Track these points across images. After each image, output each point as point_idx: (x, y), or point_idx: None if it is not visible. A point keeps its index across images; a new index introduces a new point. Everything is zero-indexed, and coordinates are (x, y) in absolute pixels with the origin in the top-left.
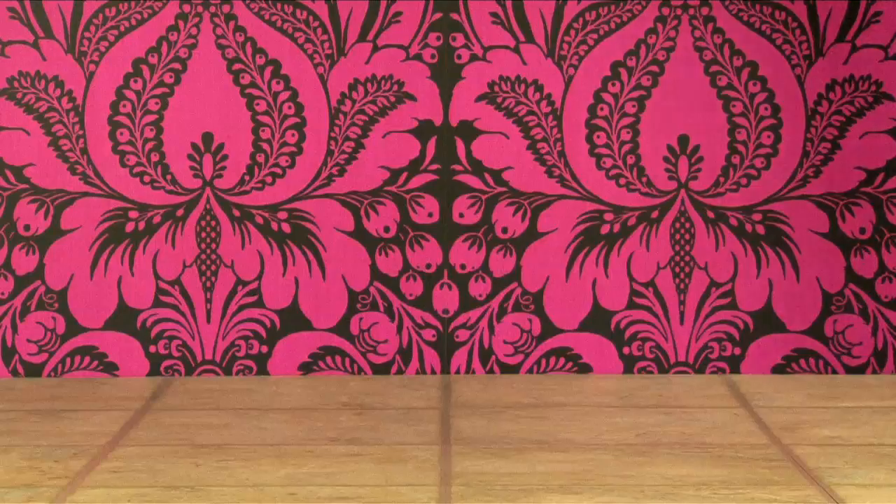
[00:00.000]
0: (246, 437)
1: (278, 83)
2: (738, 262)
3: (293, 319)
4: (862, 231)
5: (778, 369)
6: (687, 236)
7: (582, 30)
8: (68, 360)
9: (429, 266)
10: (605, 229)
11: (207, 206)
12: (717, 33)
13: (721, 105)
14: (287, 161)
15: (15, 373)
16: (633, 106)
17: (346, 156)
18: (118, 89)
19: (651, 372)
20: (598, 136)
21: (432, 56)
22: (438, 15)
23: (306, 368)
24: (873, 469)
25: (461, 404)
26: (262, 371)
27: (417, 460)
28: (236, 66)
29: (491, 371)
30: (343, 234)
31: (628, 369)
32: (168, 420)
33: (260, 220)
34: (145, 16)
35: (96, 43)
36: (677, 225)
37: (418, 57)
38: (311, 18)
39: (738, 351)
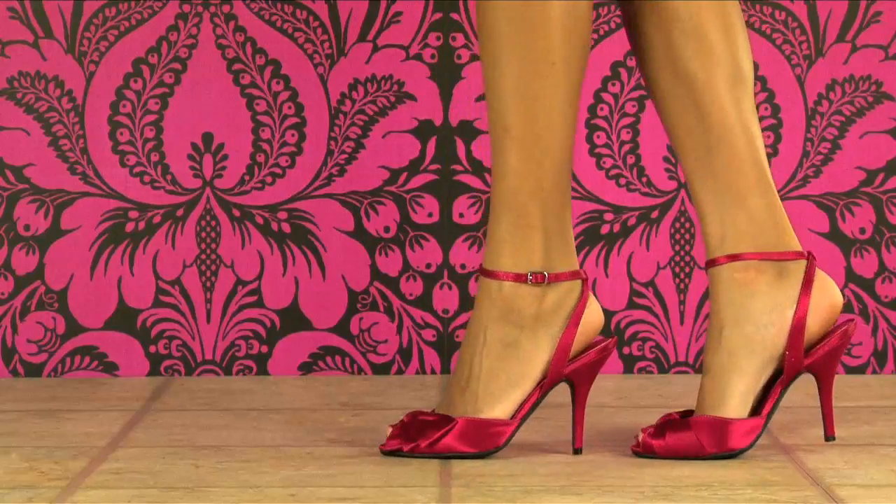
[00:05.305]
0: (245, 438)
1: (278, 83)
2: None
3: (293, 319)
4: (862, 231)
5: None
6: (687, 236)
7: None
8: (68, 360)
9: (429, 266)
10: (605, 229)
11: (207, 206)
12: None
13: None
14: (287, 161)
15: (15, 373)
16: (633, 106)
17: (346, 156)
18: (118, 89)
19: (651, 372)
20: (598, 136)
21: (432, 56)
22: (438, 15)
23: (306, 368)
24: (873, 469)
25: None
26: (262, 371)
27: (417, 461)
28: (236, 66)
29: None
30: (343, 234)
31: (628, 369)
32: (168, 420)
33: (260, 220)
34: (145, 16)
35: (96, 43)
36: (677, 225)
37: (418, 57)
38: (311, 18)
39: None
